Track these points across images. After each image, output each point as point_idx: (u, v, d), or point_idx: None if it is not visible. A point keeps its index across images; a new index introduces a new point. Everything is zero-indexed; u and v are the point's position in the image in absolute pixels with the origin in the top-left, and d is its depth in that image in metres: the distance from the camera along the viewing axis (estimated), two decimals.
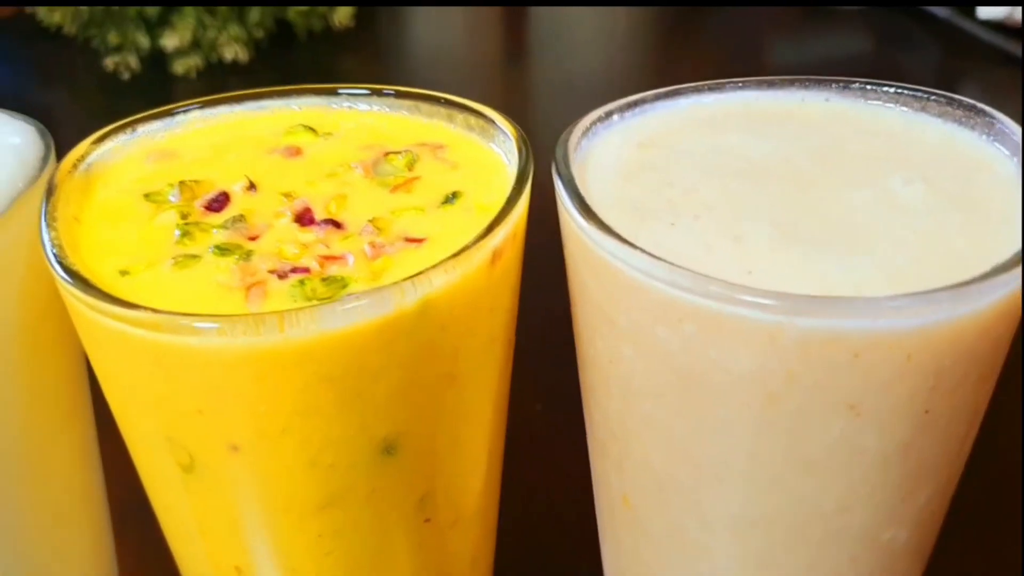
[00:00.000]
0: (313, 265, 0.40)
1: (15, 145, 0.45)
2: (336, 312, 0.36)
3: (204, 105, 0.49)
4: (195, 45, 1.33)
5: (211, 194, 0.44)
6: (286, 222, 0.42)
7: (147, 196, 0.44)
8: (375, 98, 0.50)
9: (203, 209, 0.43)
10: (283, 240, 0.41)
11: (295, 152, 0.47)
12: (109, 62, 1.32)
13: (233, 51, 1.34)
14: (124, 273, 0.40)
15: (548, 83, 1.41)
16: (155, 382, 0.38)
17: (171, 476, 0.42)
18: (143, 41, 1.33)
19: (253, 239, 0.42)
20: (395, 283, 0.37)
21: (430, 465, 0.43)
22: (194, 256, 0.40)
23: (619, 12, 1.51)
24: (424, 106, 0.49)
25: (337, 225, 0.42)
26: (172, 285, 0.39)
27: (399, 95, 0.49)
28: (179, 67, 1.33)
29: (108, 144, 0.47)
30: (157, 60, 1.34)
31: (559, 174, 0.42)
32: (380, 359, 0.38)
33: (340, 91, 0.50)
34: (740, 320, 0.36)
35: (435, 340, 0.40)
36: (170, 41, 1.31)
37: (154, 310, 0.35)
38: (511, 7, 1.56)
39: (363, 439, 0.40)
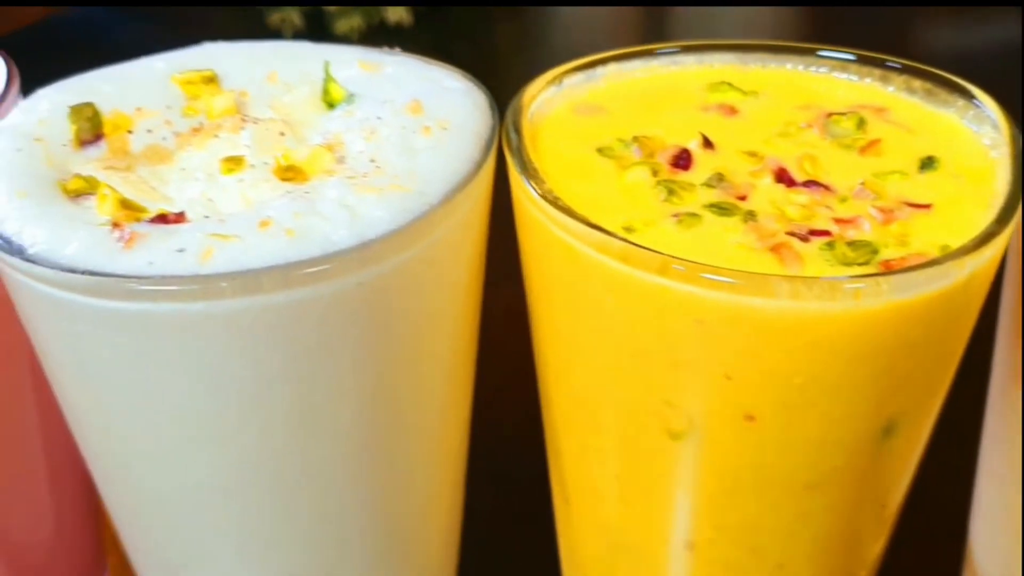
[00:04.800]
0: (833, 228, 0.37)
1: (458, 89, 0.43)
2: (910, 281, 0.34)
3: (620, 59, 0.47)
4: (357, 4, 1.31)
5: (672, 150, 0.42)
6: (768, 182, 0.40)
7: (600, 151, 0.42)
8: (795, 56, 0.47)
9: (669, 166, 0.41)
10: (777, 201, 0.39)
11: (730, 110, 0.45)
12: (276, 18, 1.29)
13: (398, 14, 1.32)
14: (629, 230, 0.37)
15: None
16: (683, 344, 0.36)
17: (645, 445, 0.39)
18: None
19: (741, 199, 0.39)
20: (956, 253, 0.35)
21: (914, 452, 0.41)
22: (694, 215, 0.38)
23: (761, 11, 1.47)
24: (854, 67, 0.46)
25: (825, 187, 0.40)
26: (685, 244, 0.37)
27: (831, 56, 0.47)
28: (341, 26, 1.31)
29: (544, 95, 0.44)
30: (319, 19, 1.31)
31: None
32: (920, 333, 0.36)
33: (755, 48, 0.48)
34: None
35: (959, 317, 0.37)
36: None
37: (738, 271, 0.33)
38: (651, 7, 1.53)
39: (873, 418, 0.37)
